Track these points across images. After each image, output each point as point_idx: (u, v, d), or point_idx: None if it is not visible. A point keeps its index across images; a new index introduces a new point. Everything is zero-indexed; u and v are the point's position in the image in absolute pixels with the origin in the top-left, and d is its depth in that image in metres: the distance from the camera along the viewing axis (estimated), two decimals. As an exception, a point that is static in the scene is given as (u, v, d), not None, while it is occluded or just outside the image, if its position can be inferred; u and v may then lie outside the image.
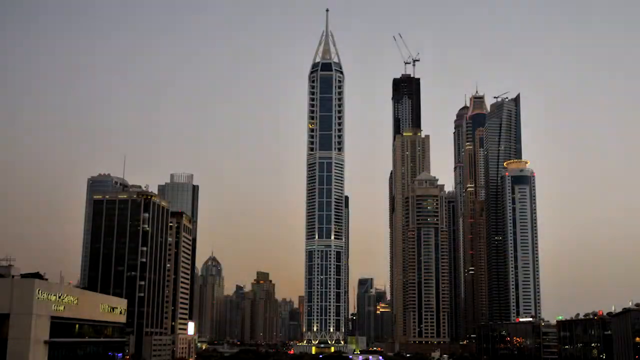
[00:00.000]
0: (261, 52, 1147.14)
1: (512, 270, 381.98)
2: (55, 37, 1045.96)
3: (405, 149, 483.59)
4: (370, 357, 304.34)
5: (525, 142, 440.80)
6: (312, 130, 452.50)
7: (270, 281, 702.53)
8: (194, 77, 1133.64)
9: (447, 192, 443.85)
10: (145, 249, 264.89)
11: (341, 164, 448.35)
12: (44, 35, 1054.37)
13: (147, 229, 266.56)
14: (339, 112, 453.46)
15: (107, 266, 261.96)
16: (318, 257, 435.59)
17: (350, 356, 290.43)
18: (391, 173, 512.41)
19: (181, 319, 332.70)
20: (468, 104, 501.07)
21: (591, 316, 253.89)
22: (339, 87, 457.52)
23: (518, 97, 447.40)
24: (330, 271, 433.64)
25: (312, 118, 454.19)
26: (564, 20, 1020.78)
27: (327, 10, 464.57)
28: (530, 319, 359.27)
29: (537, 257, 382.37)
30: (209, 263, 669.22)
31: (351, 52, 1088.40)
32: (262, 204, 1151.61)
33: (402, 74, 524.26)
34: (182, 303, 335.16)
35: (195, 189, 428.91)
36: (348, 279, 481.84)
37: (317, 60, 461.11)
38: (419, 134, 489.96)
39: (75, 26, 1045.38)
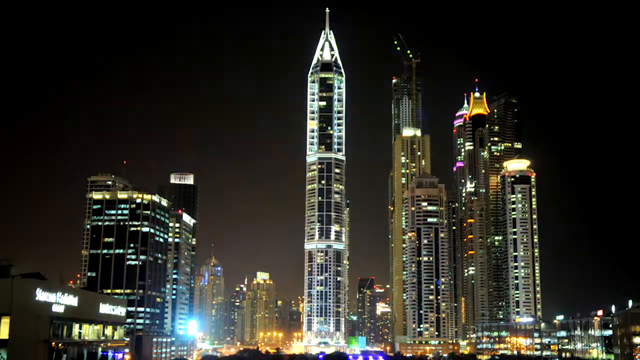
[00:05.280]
0: (261, 52, 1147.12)
1: (512, 270, 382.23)
2: (54, 36, 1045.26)
3: (405, 149, 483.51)
4: (371, 357, 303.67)
5: (525, 142, 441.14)
6: (312, 130, 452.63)
7: (270, 281, 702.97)
8: (193, 76, 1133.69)
9: (446, 192, 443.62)
10: (145, 248, 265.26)
11: (341, 164, 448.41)
12: (46, 36, 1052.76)
13: (147, 229, 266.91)
14: (339, 112, 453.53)
15: (107, 266, 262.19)
16: (318, 257, 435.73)
17: (350, 356, 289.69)
18: (391, 173, 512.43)
19: (181, 319, 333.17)
20: (468, 104, 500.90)
21: (591, 316, 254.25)
22: (339, 87, 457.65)
23: (518, 97, 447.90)
24: (330, 271, 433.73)
25: (312, 118, 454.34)
26: (565, 19, 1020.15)
27: (327, 10, 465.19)
28: (530, 319, 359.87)
29: (537, 257, 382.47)
30: (209, 263, 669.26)
31: (351, 52, 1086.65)
32: (262, 204, 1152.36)
33: (402, 74, 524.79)
34: (182, 303, 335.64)
35: (195, 189, 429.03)
36: (348, 279, 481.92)
37: (317, 60, 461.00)
38: (419, 134, 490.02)
39: (77, 24, 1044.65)
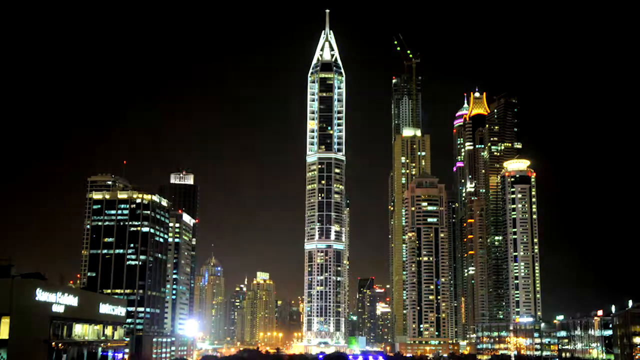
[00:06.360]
0: (261, 52, 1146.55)
1: (512, 270, 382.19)
2: (57, 36, 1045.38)
3: (405, 149, 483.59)
4: (371, 357, 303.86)
5: (525, 142, 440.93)
6: (312, 130, 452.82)
7: (270, 281, 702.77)
8: (193, 76, 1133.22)
9: (446, 192, 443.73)
10: (145, 248, 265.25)
11: (341, 164, 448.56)
12: (48, 35, 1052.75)
13: (147, 229, 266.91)
14: (339, 112, 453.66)
15: (107, 266, 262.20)
16: (318, 257, 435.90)
17: (350, 356, 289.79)
18: (391, 173, 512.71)
19: (181, 319, 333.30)
20: (468, 104, 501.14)
21: (591, 316, 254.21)
22: (339, 87, 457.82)
23: (518, 97, 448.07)
24: (330, 271, 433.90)
25: (312, 118, 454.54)
26: (564, 20, 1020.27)
27: (327, 11, 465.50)
28: (530, 319, 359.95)
29: (537, 257, 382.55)
30: (209, 263, 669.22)
31: (351, 52, 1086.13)
32: (262, 203, 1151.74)
33: (402, 74, 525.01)
34: (182, 303, 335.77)
35: (195, 189, 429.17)
36: (348, 279, 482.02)
37: (317, 60, 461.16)
38: (419, 134, 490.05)
39: (73, 25, 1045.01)
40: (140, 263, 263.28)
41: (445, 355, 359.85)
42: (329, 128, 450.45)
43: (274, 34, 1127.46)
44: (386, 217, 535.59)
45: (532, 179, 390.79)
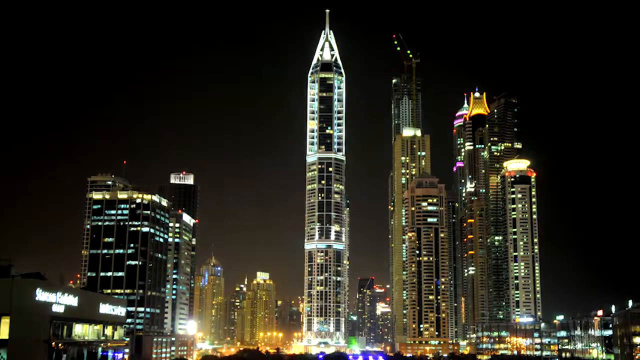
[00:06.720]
0: (261, 52, 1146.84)
1: (512, 270, 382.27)
2: (54, 35, 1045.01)
3: (405, 149, 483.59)
4: (371, 357, 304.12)
5: (525, 142, 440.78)
6: (312, 130, 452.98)
7: (270, 281, 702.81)
8: (193, 76, 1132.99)
9: (446, 192, 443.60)
10: (145, 248, 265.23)
11: (341, 164, 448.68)
12: (48, 39, 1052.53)
13: (147, 229, 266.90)
14: (339, 112, 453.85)
15: (106, 266, 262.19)
16: (318, 257, 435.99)
17: (350, 356, 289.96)
18: (391, 173, 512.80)
19: (181, 319, 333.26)
20: (468, 104, 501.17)
21: (591, 316, 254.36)
22: (339, 87, 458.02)
23: (518, 97, 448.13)
24: (330, 271, 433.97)
25: (312, 118, 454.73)
26: (564, 20, 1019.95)
27: (327, 11, 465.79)
28: (530, 319, 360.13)
29: (537, 257, 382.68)
30: (209, 263, 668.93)
31: (351, 52, 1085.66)
32: (262, 203, 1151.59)
33: (402, 74, 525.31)
34: (182, 303, 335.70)
35: (194, 189, 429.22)
36: (348, 279, 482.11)
37: (317, 60, 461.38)
38: (419, 134, 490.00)
39: (77, 24, 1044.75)
40: (140, 263, 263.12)
41: (445, 355, 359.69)
42: (329, 128, 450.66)
43: (274, 34, 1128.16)
44: (386, 217, 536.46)
45: (532, 179, 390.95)
